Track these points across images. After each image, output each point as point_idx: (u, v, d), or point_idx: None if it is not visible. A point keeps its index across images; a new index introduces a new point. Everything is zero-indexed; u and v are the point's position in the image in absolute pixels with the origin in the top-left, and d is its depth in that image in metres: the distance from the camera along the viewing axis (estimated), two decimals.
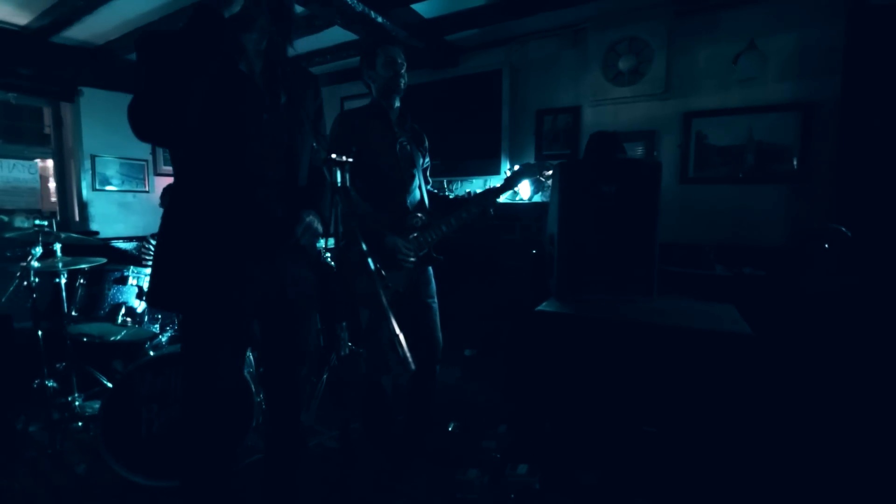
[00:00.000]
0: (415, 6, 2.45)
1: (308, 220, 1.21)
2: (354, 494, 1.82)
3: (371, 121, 1.87)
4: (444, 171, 3.10)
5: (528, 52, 2.87)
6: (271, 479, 1.43)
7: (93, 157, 3.46)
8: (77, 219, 3.55)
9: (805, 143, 2.28)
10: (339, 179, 0.94)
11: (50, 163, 3.57)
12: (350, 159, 0.96)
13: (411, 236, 1.85)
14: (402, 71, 1.84)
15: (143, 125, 1.02)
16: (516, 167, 2.11)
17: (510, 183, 2.07)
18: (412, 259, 1.82)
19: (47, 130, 3.47)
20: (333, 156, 0.94)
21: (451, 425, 2.32)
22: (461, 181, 3.07)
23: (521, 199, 2.80)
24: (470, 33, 2.77)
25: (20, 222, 3.14)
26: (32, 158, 3.32)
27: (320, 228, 1.26)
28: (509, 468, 1.84)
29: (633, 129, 2.62)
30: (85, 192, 3.50)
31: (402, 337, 0.84)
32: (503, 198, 3.15)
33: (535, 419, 2.25)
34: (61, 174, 3.51)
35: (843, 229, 2.05)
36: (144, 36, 1.05)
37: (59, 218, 3.52)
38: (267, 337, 1.35)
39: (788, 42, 2.28)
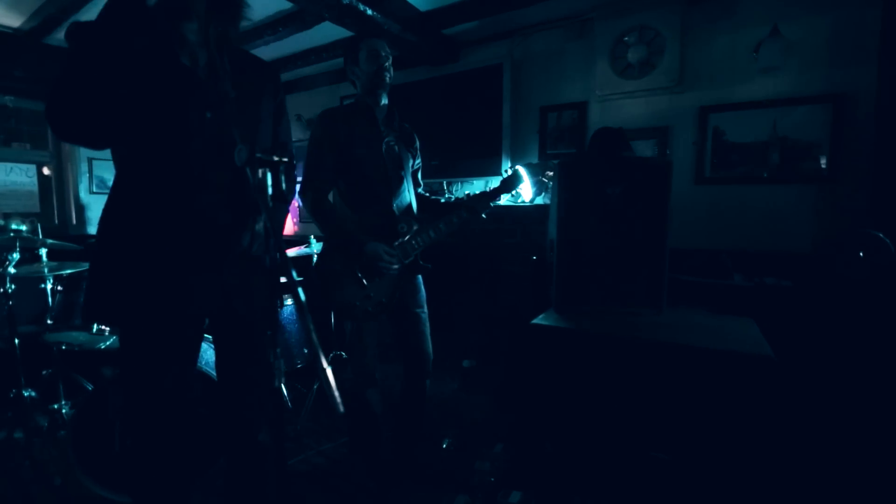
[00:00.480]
0: None
1: (258, 228, 1.10)
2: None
3: (355, 119, 1.74)
4: (444, 171, 2.96)
5: (532, 45, 2.70)
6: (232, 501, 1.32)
7: (90, 161, 3.43)
8: (74, 222, 3.53)
9: (836, 138, 2.07)
10: (269, 183, 0.80)
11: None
12: (285, 159, 0.83)
13: (396, 243, 1.72)
14: (387, 64, 1.70)
15: (59, 121, 0.91)
16: (515, 168, 1.97)
17: (506, 186, 1.93)
18: (396, 267, 1.69)
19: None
20: (259, 155, 0.80)
21: (446, 442, 2.18)
22: (461, 182, 2.92)
23: (524, 202, 2.64)
24: (469, 26, 2.61)
25: (16, 226, 3.12)
26: (31, 162, 3.31)
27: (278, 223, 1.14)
28: (501, 496, 1.69)
29: (643, 126, 2.43)
30: (83, 196, 3.48)
31: (330, 375, 0.69)
32: (503, 200, 2.98)
33: (534, 440, 2.08)
34: (59, 177, 3.49)
35: (881, 235, 1.84)
36: (72, 26, 0.94)
37: (56, 221, 3.51)
38: (219, 354, 1.24)
39: (817, 27, 2.06)
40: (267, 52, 3.07)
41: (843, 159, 2.05)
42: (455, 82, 2.84)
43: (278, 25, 2.52)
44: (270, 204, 0.80)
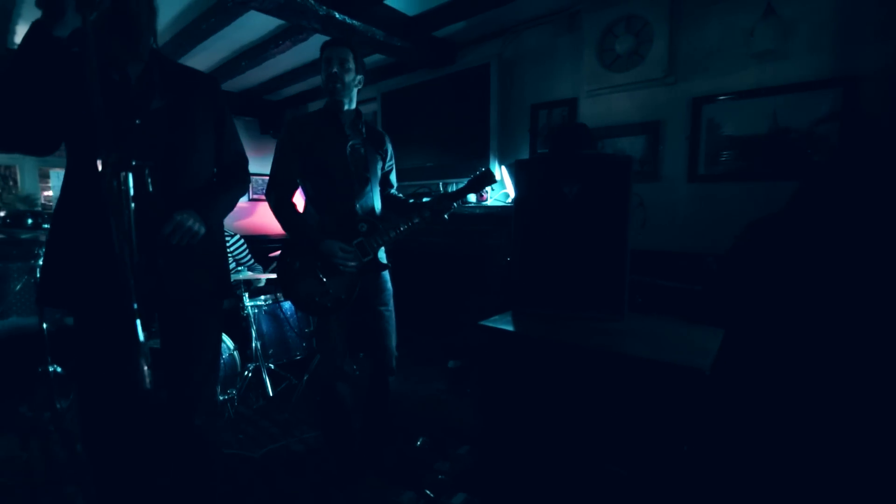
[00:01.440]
0: (392, 4, 2.37)
1: (178, 219, 1.19)
2: (273, 497, 1.78)
3: (320, 124, 1.83)
4: (440, 173, 2.98)
5: (523, 43, 2.65)
6: (177, 485, 1.43)
7: None
8: None
9: (845, 127, 1.84)
10: (131, 185, 0.89)
11: None
12: (150, 163, 0.91)
13: (355, 241, 1.78)
14: (335, 71, 1.76)
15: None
16: (483, 168, 1.96)
17: (473, 186, 1.92)
18: (352, 264, 1.75)
19: None
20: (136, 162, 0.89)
21: (420, 441, 2.21)
22: (456, 182, 2.92)
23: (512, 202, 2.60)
24: (459, 27, 2.62)
25: None
26: None
27: (197, 228, 1.22)
28: (445, 496, 1.69)
29: (634, 121, 2.30)
30: None
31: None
32: (490, 200, 2.96)
33: (491, 444, 2.05)
34: None
35: None
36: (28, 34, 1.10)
37: None
38: (162, 339, 1.36)
39: (820, 2, 1.85)
40: (277, 65, 3.28)
41: (853, 151, 1.82)
42: (448, 84, 2.86)
43: (279, 39, 2.69)
44: (132, 205, 0.89)
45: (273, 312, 2.71)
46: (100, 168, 0.89)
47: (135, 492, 1.33)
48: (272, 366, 2.68)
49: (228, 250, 3.12)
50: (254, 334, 2.52)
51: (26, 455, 2.10)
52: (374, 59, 3.14)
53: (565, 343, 1.34)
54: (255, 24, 2.53)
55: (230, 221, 4.09)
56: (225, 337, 2.51)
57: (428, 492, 1.74)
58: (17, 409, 2.44)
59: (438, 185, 3.01)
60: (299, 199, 1.81)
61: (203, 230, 1.24)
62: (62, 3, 0.99)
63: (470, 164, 2.73)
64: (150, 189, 1.08)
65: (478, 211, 2.68)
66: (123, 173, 0.89)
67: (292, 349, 2.76)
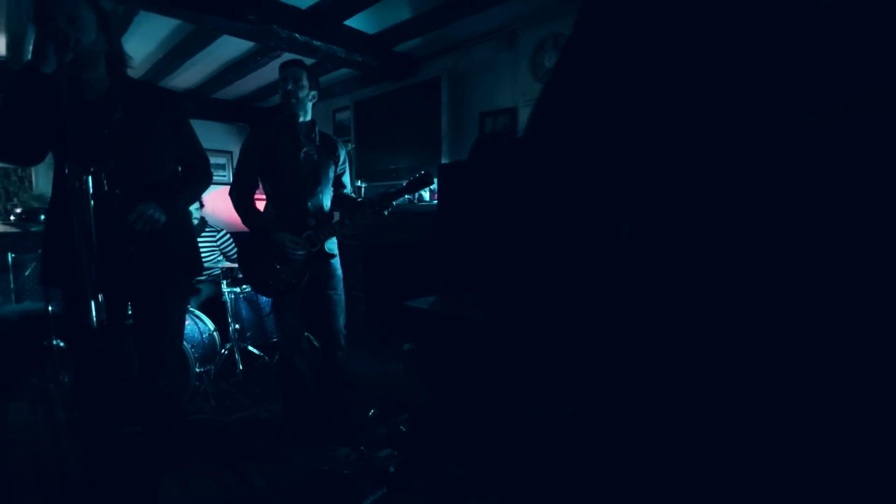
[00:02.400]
0: (353, 24, 2.67)
1: (140, 209, 1.44)
2: (240, 455, 2.08)
3: (278, 133, 2.14)
4: (407, 174, 3.26)
5: (472, 57, 2.92)
6: (148, 442, 1.73)
7: None
8: None
9: None
10: (89, 186, 1.20)
11: None
12: (107, 168, 1.21)
13: (304, 234, 2.08)
14: (290, 89, 2.06)
15: (2, 155, 1.40)
16: (423, 171, 2.23)
17: (410, 188, 2.20)
18: (300, 253, 2.05)
19: None
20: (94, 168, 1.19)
21: (372, 412, 2.49)
22: None
23: None
24: (415, 43, 2.91)
25: None
26: None
27: (158, 216, 1.48)
28: (374, 451, 1.98)
29: None
30: None
31: None
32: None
33: (423, 411, 2.34)
34: None
35: None
36: (16, 77, 1.42)
37: None
38: (133, 313, 1.66)
39: None
40: (263, 76, 3.60)
41: None
42: (410, 94, 3.14)
43: (257, 56, 3.01)
44: (92, 202, 1.19)
45: (251, 299, 3.03)
46: (66, 172, 1.20)
47: (111, 438, 1.64)
48: (250, 347, 3.00)
49: (216, 244, 3.46)
50: (230, 317, 2.84)
51: (33, 417, 2.45)
52: (346, 71, 3.44)
53: (451, 317, 1.61)
54: (235, 43, 2.84)
55: (219, 218, 4.42)
56: (206, 318, 2.84)
57: (362, 448, 2.02)
58: (30, 380, 2.81)
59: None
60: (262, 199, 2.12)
61: (163, 218, 1.50)
62: (45, 50, 1.30)
63: (430, 166, 3.02)
64: (106, 189, 1.38)
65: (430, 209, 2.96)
66: (84, 176, 1.19)
67: (269, 332, 3.07)
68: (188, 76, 3.58)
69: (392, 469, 1.87)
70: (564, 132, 0.67)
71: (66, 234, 1.44)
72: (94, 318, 1.12)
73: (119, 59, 1.52)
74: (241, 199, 2.10)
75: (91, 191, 1.21)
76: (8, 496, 1.77)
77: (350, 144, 3.69)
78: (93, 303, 1.10)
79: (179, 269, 1.67)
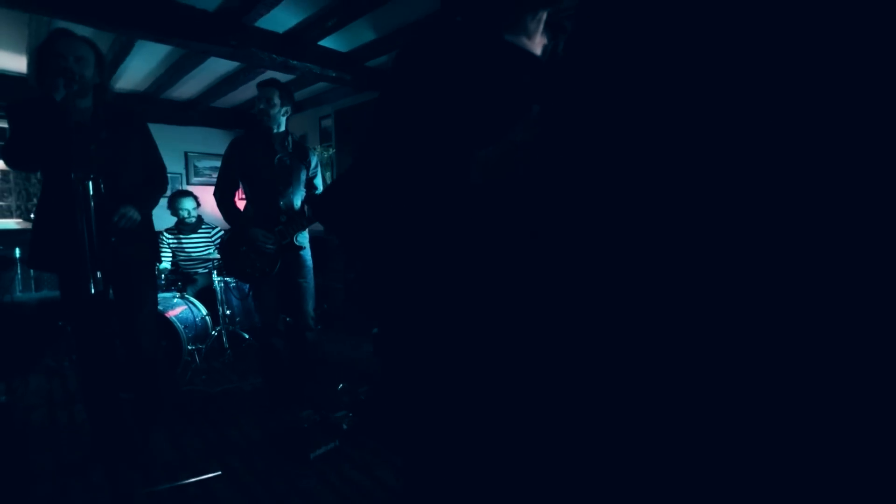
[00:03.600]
0: (327, 44, 2.99)
1: (121, 211, 1.82)
2: (222, 417, 2.42)
3: (255, 142, 2.46)
4: None
5: None
6: (138, 403, 2.07)
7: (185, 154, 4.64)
8: None
9: None
10: (90, 188, 1.53)
11: None
12: (101, 175, 1.55)
13: (276, 229, 2.40)
14: (263, 106, 2.38)
15: (12, 165, 1.75)
16: None
17: None
18: (270, 246, 2.37)
19: None
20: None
21: (340, 386, 2.82)
22: None
23: None
24: (383, 59, 3.21)
25: None
26: None
27: (136, 217, 1.86)
28: (331, 413, 2.30)
29: None
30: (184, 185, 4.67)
31: None
32: None
33: (382, 383, 2.66)
34: None
35: None
36: (9, 106, 1.76)
37: None
38: (114, 291, 2.00)
39: None
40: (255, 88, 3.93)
41: None
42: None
43: (246, 71, 3.34)
44: (92, 203, 1.52)
45: (240, 288, 3.37)
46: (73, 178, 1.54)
47: (109, 402, 1.98)
48: (238, 330, 3.34)
49: (210, 239, 3.81)
50: (219, 304, 3.18)
51: (49, 386, 2.82)
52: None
53: None
54: (224, 62, 3.17)
55: (213, 216, 4.78)
56: (199, 304, 3.18)
57: (323, 411, 2.34)
58: (47, 357, 3.17)
59: None
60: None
61: (139, 217, 1.88)
62: (57, 83, 1.63)
63: None
64: (102, 191, 1.72)
65: None
66: (86, 181, 1.53)
67: (256, 317, 3.41)
68: (187, 88, 3.93)
69: (345, 426, 2.20)
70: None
71: (63, 226, 1.77)
72: (93, 290, 1.46)
73: (104, 89, 1.87)
74: (222, 198, 2.43)
75: (90, 193, 1.55)
76: (30, 448, 2.12)
77: (332, 149, 4.01)
78: (93, 282, 1.44)
79: (148, 255, 2.04)
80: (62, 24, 2.42)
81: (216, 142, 4.93)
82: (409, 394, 0.89)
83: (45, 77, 1.72)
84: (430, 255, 0.73)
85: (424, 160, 0.71)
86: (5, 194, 4.08)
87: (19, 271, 3.49)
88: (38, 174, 4.06)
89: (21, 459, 1.97)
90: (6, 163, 1.77)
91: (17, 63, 3.31)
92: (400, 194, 0.75)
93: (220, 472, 1.85)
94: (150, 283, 2.06)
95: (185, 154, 4.82)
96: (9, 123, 1.74)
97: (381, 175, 0.79)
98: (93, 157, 1.79)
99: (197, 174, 4.88)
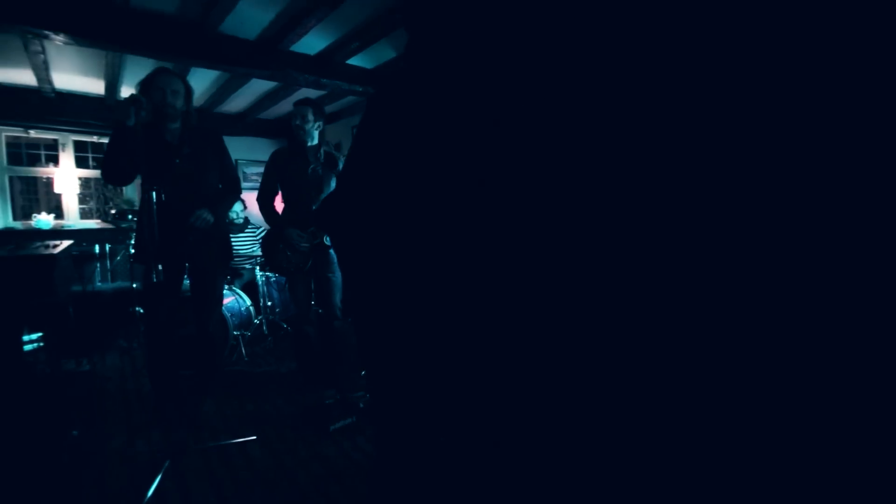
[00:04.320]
0: (354, 62, 3.26)
1: (198, 213, 2.16)
2: (260, 394, 2.74)
3: (292, 154, 2.77)
4: None
5: None
6: (197, 378, 2.43)
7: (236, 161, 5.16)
8: None
9: None
10: (153, 197, 1.85)
11: None
12: (178, 187, 1.87)
13: (309, 230, 2.70)
14: (298, 122, 2.67)
15: (107, 179, 2.12)
16: None
17: None
18: (304, 245, 2.67)
19: None
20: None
21: (363, 372, 3.08)
22: None
23: None
24: None
25: None
26: None
27: (209, 218, 2.19)
28: (351, 393, 2.56)
29: None
30: None
31: None
32: None
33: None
34: None
35: None
36: (113, 127, 2.13)
37: None
38: (190, 282, 2.36)
39: None
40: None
41: None
42: None
43: (286, 88, 3.68)
44: (171, 207, 1.84)
45: (279, 282, 3.72)
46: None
47: (172, 376, 2.33)
48: (279, 320, 3.70)
49: (256, 238, 4.20)
50: (261, 296, 3.54)
51: (121, 363, 3.27)
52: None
53: None
54: (266, 81, 3.52)
55: (259, 218, 5.22)
56: (245, 295, 3.55)
57: (344, 391, 2.61)
58: (119, 338, 3.66)
59: None
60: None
61: (212, 219, 2.20)
62: (129, 111, 1.97)
63: None
64: (176, 202, 2.08)
65: None
66: (153, 192, 1.86)
67: (292, 308, 3.76)
68: (236, 103, 4.35)
69: (361, 405, 2.45)
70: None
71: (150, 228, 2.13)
72: (154, 279, 1.79)
73: (189, 114, 2.22)
74: (263, 202, 2.75)
75: (165, 200, 1.89)
76: (106, 411, 2.52)
77: None
78: (156, 273, 1.77)
79: (220, 253, 2.37)
80: (132, 56, 2.83)
81: (262, 150, 5.36)
82: (395, 403, 0.88)
83: (131, 100, 2.09)
84: (412, 260, 0.73)
85: (407, 171, 0.71)
86: (88, 198, 4.68)
87: (98, 265, 4.02)
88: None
89: (100, 420, 2.37)
90: (103, 177, 2.16)
91: (96, 86, 3.82)
92: (378, 202, 0.77)
93: (255, 437, 2.15)
94: (219, 276, 2.41)
95: (236, 161, 5.28)
96: (109, 142, 2.11)
97: (362, 185, 0.83)
98: (177, 169, 2.15)
99: (245, 179, 5.33)
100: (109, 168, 2.11)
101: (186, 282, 2.46)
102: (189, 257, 2.23)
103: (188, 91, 2.24)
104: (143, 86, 2.15)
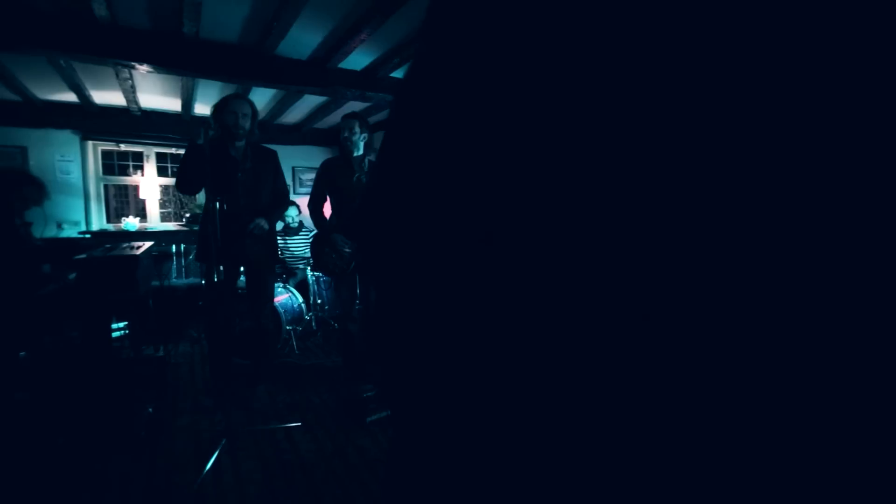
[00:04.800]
0: (397, 75, 3.42)
1: (256, 221, 2.43)
2: (308, 384, 2.96)
3: (340, 164, 2.97)
4: None
5: None
6: (248, 369, 2.69)
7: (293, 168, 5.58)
8: None
9: None
10: (217, 205, 2.09)
11: None
12: (240, 198, 2.11)
13: None
14: (346, 134, 2.86)
15: (179, 189, 2.41)
16: None
17: None
18: (347, 249, 2.86)
19: None
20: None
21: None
22: None
23: None
24: None
25: None
26: None
27: (265, 226, 2.46)
28: None
29: None
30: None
31: None
32: None
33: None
34: None
35: None
36: (188, 143, 2.41)
37: None
38: (246, 281, 2.62)
39: None
40: (346, 111, 4.54)
41: None
42: None
43: (333, 102, 3.93)
44: (234, 216, 2.08)
45: (328, 281, 3.97)
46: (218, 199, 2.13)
47: (229, 364, 2.60)
48: (327, 317, 3.95)
49: (308, 241, 4.50)
50: (311, 294, 3.80)
51: (191, 351, 3.64)
52: None
53: None
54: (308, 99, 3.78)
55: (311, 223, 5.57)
56: (297, 293, 3.83)
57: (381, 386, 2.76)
58: (190, 329, 4.07)
59: None
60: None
61: (267, 227, 2.47)
62: (199, 132, 2.23)
63: None
64: (236, 210, 2.33)
65: None
66: (217, 202, 2.10)
67: (335, 306, 3.99)
68: (293, 116, 4.68)
69: None
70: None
71: (213, 233, 2.40)
72: (216, 279, 2.03)
73: (253, 133, 2.48)
74: (313, 208, 2.97)
75: (227, 208, 2.14)
76: (176, 392, 2.84)
77: None
78: (218, 273, 2.00)
79: (271, 255, 2.61)
80: (203, 79, 3.15)
81: (317, 157, 5.71)
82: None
83: (219, 123, 2.37)
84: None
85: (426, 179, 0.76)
86: (167, 203, 5.23)
87: (174, 262, 4.49)
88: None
89: (171, 400, 2.68)
90: (176, 187, 2.47)
91: (174, 105, 4.27)
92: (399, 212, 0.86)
93: (300, 424, 2.35)
94: (270, 276, 2.67)
95: (293, 169, 5.66)
96: (182, 157, 2.40)
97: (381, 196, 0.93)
98: (239, 182, 2.42)
99: (301, 185, 5.70)
100: (181, 179, 2.40)
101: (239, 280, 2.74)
102: (245, 259, 2.49)
103: (254, 113, 2.50)
104: (218, 108, 2.42)
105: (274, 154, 2.64)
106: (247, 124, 2.44)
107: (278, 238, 4.41)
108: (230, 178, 2.40)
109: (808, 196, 0.35)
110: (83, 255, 2.37)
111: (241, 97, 2.46)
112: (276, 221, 2.64)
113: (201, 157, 2.22)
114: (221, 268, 2.30)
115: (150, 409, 2.31)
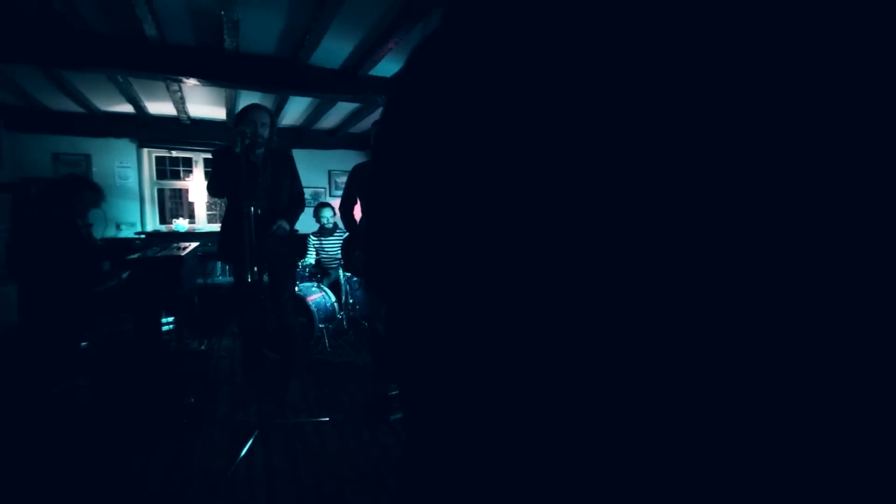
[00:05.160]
0: None
1: (278, 223, 2.55)
2: (338, 382, 3.06)
3: (369, 168, 3.07)
4: None
5: None
6: (279, 364, 2.83)
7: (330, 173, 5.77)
8: None
9: None
10: (252, 210, 2.21)
11: None
12: (262, 202, 2.23)
13: None
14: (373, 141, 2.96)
15: (211, 193, 2.56)
16: None
17: None
18: None
19: None
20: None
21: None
22: None
23: None
24: None
25: None
26: None
27: (287, 227, 2.57)
28: None
29: None
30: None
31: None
32: None
33: None
34: None
35: None
36: (214, 151, 2.57)
37: None
38: (269, 278, 2.75)
39: None
40: (376, 118, 4.65)
41: None
42: None
43: (365, 108, 4.03)
44: (253, 220, 2.21)
45: (359, 281, 4.08)
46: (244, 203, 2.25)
47: (259, 359, 2.75)
48: (358, 316, 4.06)
49: (341, 241, 4.64)
50: (343, 294, 3.92)
51: (233, 345, 3.84)
52: None
53: None
54: (342, 106, 3.90)
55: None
56: (330, 293, 3.96)
57: None
58: (232, 324, 4.30)
59: None
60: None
61: (288, 228, 2.58)
62: (236, 140, 2.37)
63: None
64: (263, 211, 2.45)
65: None
66: (251, 207, 2.22)
67: (362, 305, 4.10)
68: (328, 121, 4.84)
69: None
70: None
71: (236, 234, 2.54)
72: (250, 278, 2.15)
73: (272, 140, 2.60)
74: (344, 211, 3.08)
75: (253, 213, 2.26)
76: (217, 384, 3.02)
77: None
78: (250, 273, 2.12)
79: (292, 254, 2.74)
80: (245, 91, 3.33)
81: (352, 160, 5.87)
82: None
83: (237, 131, 2.52)
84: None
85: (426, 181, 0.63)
86: (213, 206, 5.53)
87: (218, 262, 4.76)
88: None
89: (212, 391, 2.85)
90: (208, 191, 2.63)
91: (218, 113, 4.53)
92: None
93: (328, 419, 2.44)
94: (291, 275, 2.79)
95: (329, 172, 5.85)
96: (212, 164, 2.56)
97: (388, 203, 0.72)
98: (260, 186, 2.55)
99: (337, 188, 5.88)
100: (213, 184, 2.55)
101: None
102: (267, 259, 2.61)
103: (273, 122, 2.62)
104: (239, 117, 2.56)
105: (289, 156, 2.75)
106: (265, 133, 2.55)
107: (314, 239, 4.59)
108: (252, 182, 2.53)
109: (808, 197, 0.36)
110: (135, 255, 2.57)
111: (261, 107, 2.57)
112: (295, 222, 2.75)
113: (236, 163, 2.36)
114: (255, 269, 2.43)
115: (192, 400, 2.48)
